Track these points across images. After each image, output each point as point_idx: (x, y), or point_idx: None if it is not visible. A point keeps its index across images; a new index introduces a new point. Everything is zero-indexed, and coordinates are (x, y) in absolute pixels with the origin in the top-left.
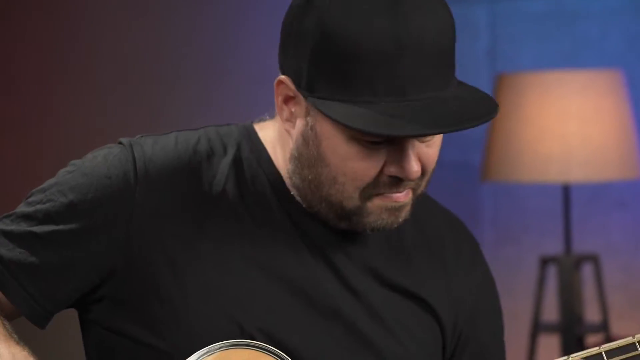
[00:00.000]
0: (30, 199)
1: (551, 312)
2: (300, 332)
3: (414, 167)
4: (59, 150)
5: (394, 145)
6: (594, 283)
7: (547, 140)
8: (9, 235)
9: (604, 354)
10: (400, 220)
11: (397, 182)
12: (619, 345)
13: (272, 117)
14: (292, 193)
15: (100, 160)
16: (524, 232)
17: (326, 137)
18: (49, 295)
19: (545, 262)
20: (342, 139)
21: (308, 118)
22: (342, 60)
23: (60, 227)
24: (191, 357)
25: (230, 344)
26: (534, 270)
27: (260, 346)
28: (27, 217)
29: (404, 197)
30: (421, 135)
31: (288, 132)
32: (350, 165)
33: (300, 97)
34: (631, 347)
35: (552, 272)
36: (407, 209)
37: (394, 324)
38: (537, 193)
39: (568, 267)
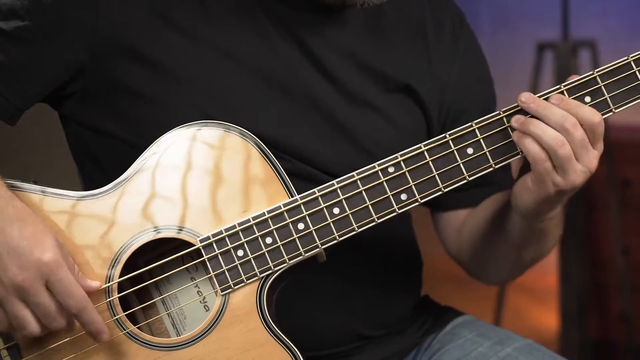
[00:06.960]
0: None
1: None
2: (275, 121)
3: None
4: None
5: None
6: (591, 69)
7: None
8: None
9: (504, 119)
10: None
11: None
12: (516, 109)
13: None
14: None
15: None
16: (520, 18)
17: None
18: (17, 92)
19: (542, 48)
20: None
21: None
22: None
23: (26, 22)
24: (163, 136)
25: (202, 123)
26: (530, 57)
27: (231, 127)
28: None
29: None
30: None
31: None
32: None
33: None
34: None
35: (548, 58)
36: None
37: (372, 110)
38: None
39: (565, 52)
